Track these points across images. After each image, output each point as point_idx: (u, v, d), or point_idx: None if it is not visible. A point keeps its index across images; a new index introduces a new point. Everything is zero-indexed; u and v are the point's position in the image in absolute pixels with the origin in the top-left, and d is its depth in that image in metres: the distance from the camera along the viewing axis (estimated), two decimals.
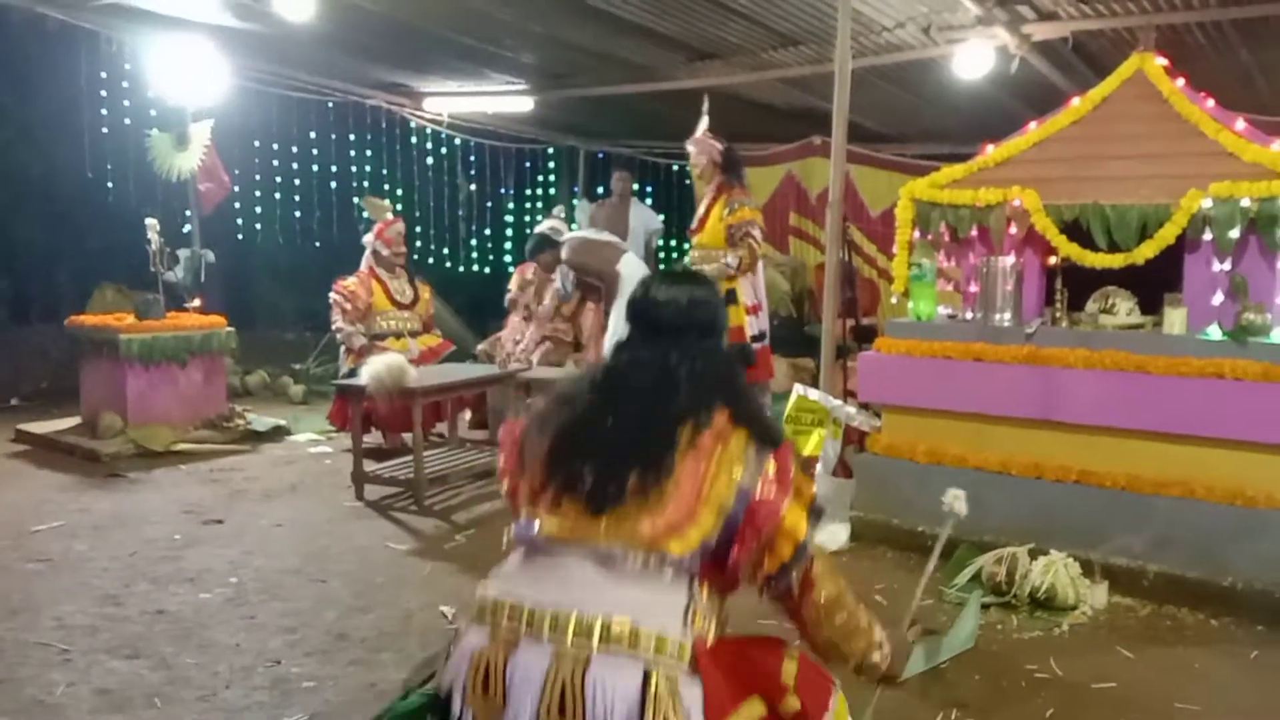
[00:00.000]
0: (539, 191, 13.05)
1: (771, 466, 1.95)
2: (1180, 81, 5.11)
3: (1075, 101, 5.31)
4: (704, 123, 7.69)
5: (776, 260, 11.31)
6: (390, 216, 7.90)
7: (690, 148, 7.68)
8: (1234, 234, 4.51)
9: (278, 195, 10.74)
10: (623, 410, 2.01)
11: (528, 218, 13.14)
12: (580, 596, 1.86)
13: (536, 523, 1.97)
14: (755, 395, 2.13)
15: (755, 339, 7.43)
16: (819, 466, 5.53)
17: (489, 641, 1.90)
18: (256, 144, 10.24)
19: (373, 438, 7.26)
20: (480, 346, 8.65)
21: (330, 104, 10.40)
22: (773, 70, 8.51)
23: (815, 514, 1.98)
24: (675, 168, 13.84)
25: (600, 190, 12.53)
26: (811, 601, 2.00)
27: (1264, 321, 4.47)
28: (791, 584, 1.97)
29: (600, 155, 13.45)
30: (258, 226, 10.75)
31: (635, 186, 11.11)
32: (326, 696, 3.55)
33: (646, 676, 1.80)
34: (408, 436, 6.31)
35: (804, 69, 8.30)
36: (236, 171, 9.30)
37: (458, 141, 12.02)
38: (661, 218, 11.02)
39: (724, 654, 1.94)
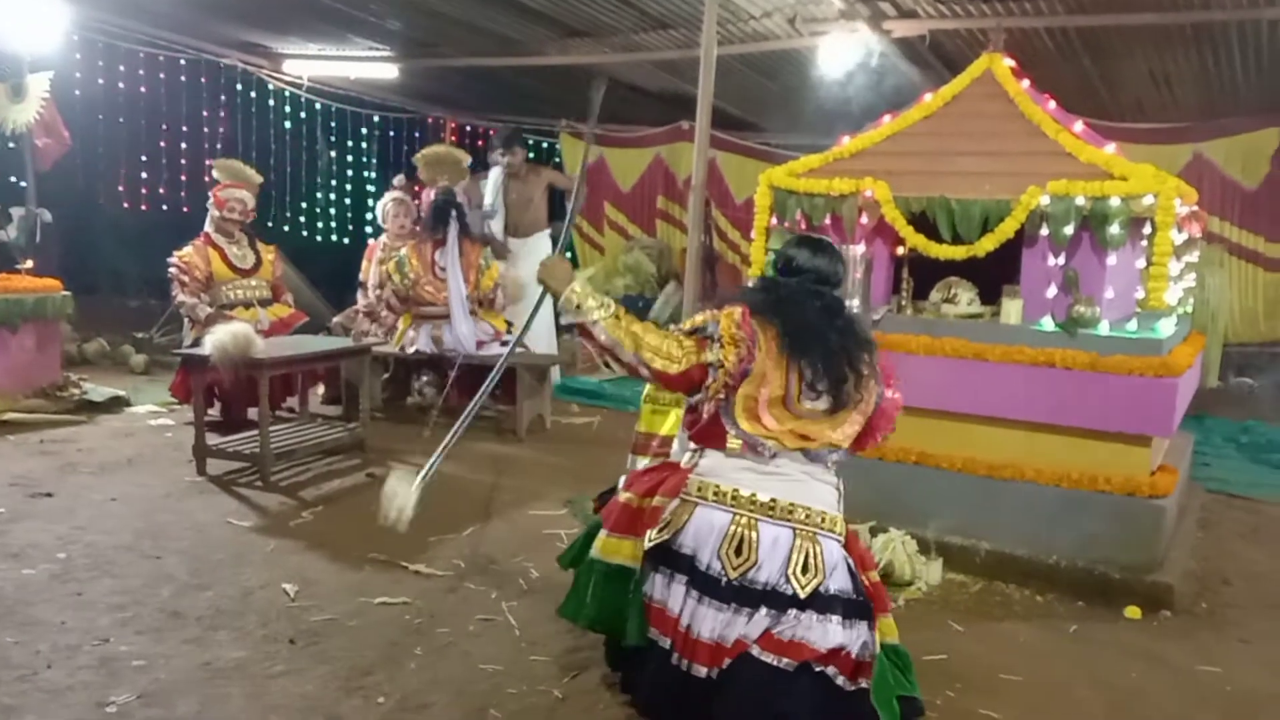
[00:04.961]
0: (403, 161, 12.78)
1: (886, 381, 3.01)
2: (1026, 83, 5.32)
3: (927, 97, 5.48)
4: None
5: (643, 243, 11.38)
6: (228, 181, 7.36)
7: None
8: (1069, 230, 4.74)
9: (123, 155, 10.21)
10: (832, 339, 2.86)
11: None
12: (795, 491, 2.78)
13: (763, 433, 2.79)
14: None
15: None
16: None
17: (733, 518, 2.76)
18: (101, 100, 9.72)
19: (218, 411, 6.98)
20: (336, 319, 8.41)
21: (182, 61, 9.95)
22: (643, 52, 8.54)
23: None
24: (545, 145, 13.79)
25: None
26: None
27: (1093, 314, 4.72)
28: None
29: (467, 128, 13.25)
30: (100, 187, 10.20)
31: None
32: (158, 675, 3.41)
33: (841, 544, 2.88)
34: (255, 411, 6.09)
35: (673, 53, 8.36)
36: (78, 127, 8.79)
37: (318, 106, 11.66)
38: None
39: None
